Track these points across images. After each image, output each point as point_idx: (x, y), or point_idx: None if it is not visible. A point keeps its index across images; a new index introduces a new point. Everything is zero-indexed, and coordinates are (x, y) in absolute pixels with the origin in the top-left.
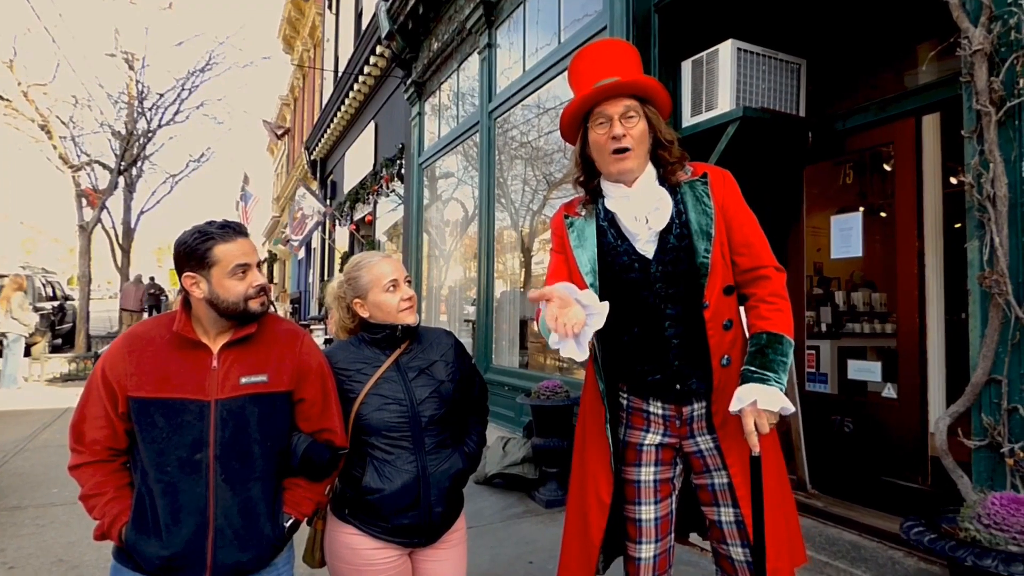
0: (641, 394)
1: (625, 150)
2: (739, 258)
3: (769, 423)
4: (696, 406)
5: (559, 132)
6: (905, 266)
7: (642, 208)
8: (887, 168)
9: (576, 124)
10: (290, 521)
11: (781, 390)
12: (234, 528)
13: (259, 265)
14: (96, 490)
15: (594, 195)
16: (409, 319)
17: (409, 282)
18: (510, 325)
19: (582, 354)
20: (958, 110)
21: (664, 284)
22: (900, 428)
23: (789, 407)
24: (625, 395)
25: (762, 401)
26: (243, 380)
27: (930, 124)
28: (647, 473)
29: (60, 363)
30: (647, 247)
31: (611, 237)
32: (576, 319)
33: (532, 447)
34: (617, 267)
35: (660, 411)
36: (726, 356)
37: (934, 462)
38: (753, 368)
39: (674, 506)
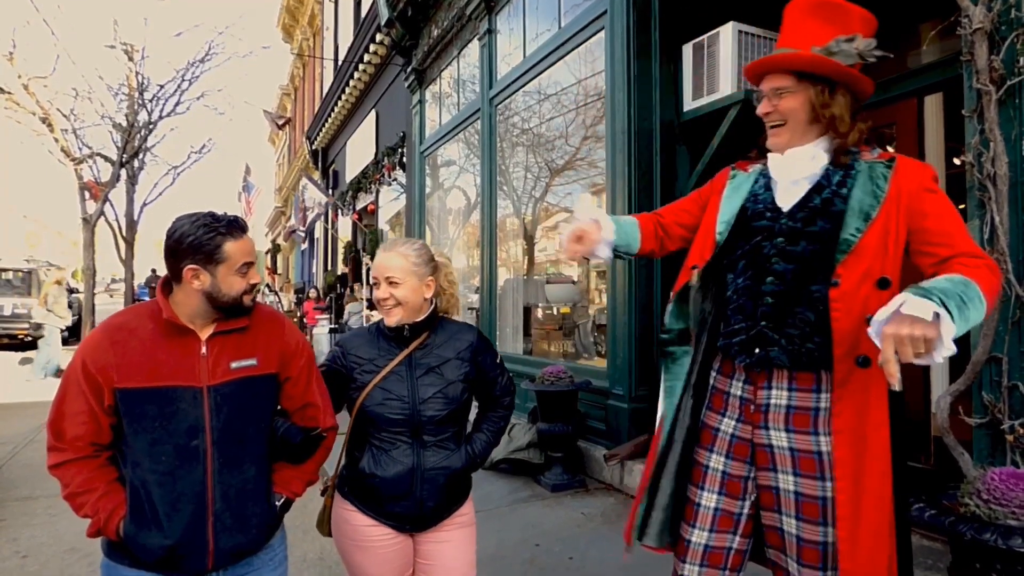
0: (728, 365)
1: (776, 125)
2: (939, 249)
3: (915, 352)
4: (776, 391)
5: (562, 117)
6: None
7: (788, 160)
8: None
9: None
10: (282, 500)
11: (951, 320)
12: (232, 511)
13: (255, 263)
14: (84, 487)
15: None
16: (386, 319)
17: (392, 283)
18: (514, 312)
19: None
20: (960, 90)
21: (786, 239)
22: (903, 408)
23: (947, 331)
24: (714, 372)
25: (908, 305)
26: (233, 365)
27: (932, 104)
28: (716, 461)
29: (67, 356)
30: (785, 198)
31: (759, 187)
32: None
33: (537, 432)
34: (751, 214)
35: (739, 392)
36: (864, 356)
37: (937, 442)
38: (920, 285)
39: (745, 511)
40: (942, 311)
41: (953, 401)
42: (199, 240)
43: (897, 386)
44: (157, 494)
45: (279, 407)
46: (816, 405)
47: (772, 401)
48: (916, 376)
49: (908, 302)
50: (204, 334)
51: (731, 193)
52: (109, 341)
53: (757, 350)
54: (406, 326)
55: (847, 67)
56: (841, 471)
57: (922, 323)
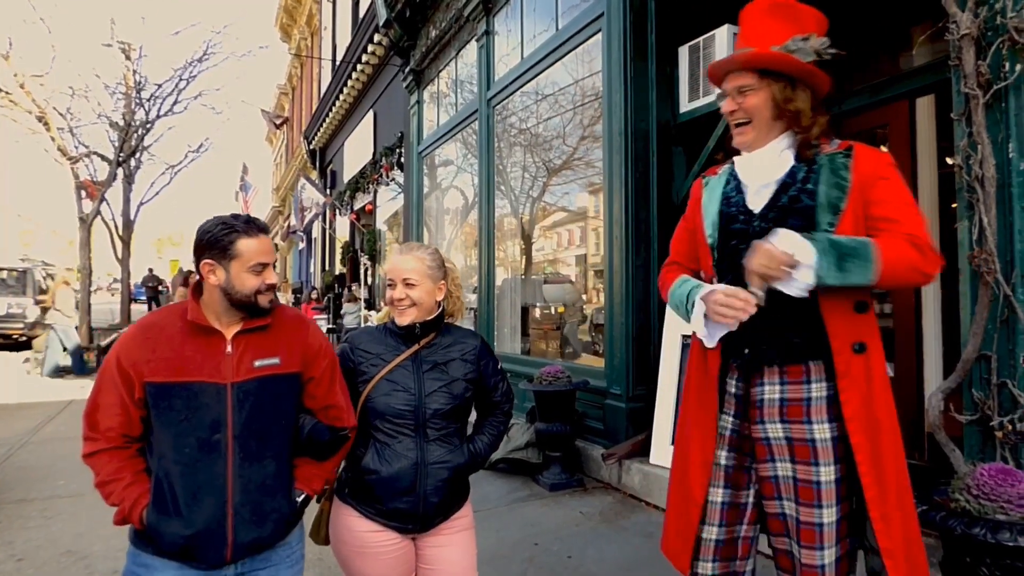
0: (724, 365)
1: (741, 124)
2: (881, 234)
3: (771, 270)
4: (768, 387)
5: (559, 118)
6: None
7: (756, 163)
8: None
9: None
10: (302, 496)
11: (815, 255)
12: (252, 505)
13: (274, 264)
14: (114, 476)
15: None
16: (399, 319)
17: (409, 284)
18: (512, 312)
19: (710, 341)
20: (951, 92)
21: (761, 240)
22: (897, 405)
23: (806, 264)
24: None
25: (781, 239)
26: (257, 363)
27: (924, 106)
28: (719, 456)
29: (62, 356)
30: (755, 200)
31: (731, 190)
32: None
33: (535, 432)
34: (726, 217)
35: (735, 389)
36: (859, 342)
37: (929, 438)
38: (815, 233)
39: (751, 499)
40: (808, 256)
41: (945, 398)
42: (215, 236)
43: (757, 299)
44: (179, 485)
45: (303, 407)
46: (808, 395)
47: (766, 396)
48: (909, 374)
49: (784, 237)
50: (229, 333)
51: (708, 199)
52: (142, 337)
53: (746, 350)
54: (417, 324)
55: (806, 63)
56: (861, 456)
57: (786, 256)
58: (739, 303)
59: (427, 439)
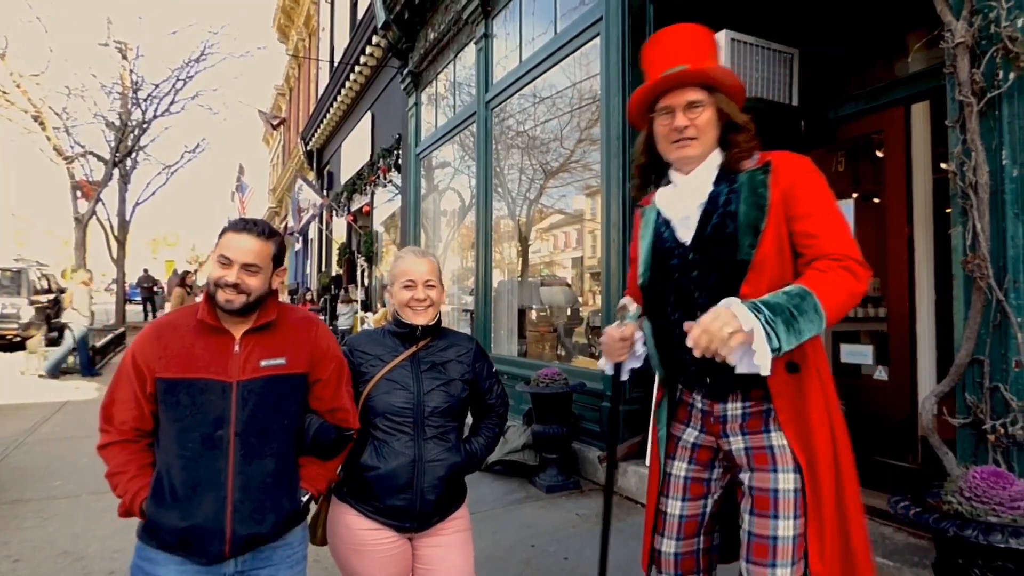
0: (688, 385)
1: (687, 139)
2: (805, 250)
3: (717, 347)
4: (731, 405)
5: (557, 120)
6: (896, 251)
7: (684, 196)
8: (879, 155)
9: (643, 112)
10: (307, 496)
11: (765, 330)
12: (251, 501)
13: (250, 267)
14: (120, 468)
15: (662, 183)
16: (415, 319)
17: (430, 286)
18: (509, 314)
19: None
20: (945, 99)
21: (700, 272)
22: (891, 409)
23: (760, 350)
24: (680, 385)
25: (736, 310)
26: (263, 363)
27: (919, 112)
28: (678, 468)
29: (69, 356)
30: (684, 232)
31: (661, 224)
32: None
33: (532, 434)
34: (662, 252)
35: (700, 405)
36: (791, 362)
37: (923, 441)
38: (755, 300)
39: (708, 510)
40: (759, 328)
41: (938, 402)
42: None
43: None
44: (180, 478)
45: (310, 408)
46: (768, 407)
47: (729, 413)
48: (903, 378)
49: (737, 308)
50: (238, 332)
51: (643, 232)
52: (156, 335)
53: (708, 379)
54: (419, 326)
55: (740, 81)
56: (807, 473)
57: (738, 330)
58: (610, 340)
59: (424, 437)
